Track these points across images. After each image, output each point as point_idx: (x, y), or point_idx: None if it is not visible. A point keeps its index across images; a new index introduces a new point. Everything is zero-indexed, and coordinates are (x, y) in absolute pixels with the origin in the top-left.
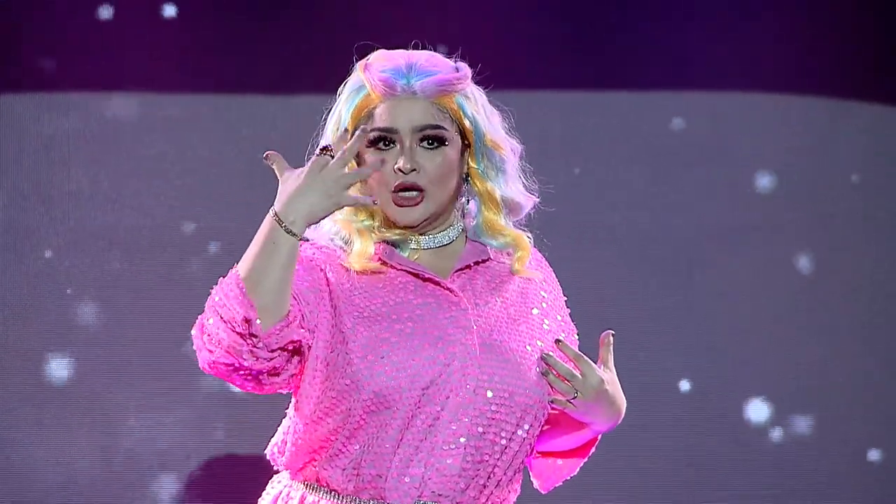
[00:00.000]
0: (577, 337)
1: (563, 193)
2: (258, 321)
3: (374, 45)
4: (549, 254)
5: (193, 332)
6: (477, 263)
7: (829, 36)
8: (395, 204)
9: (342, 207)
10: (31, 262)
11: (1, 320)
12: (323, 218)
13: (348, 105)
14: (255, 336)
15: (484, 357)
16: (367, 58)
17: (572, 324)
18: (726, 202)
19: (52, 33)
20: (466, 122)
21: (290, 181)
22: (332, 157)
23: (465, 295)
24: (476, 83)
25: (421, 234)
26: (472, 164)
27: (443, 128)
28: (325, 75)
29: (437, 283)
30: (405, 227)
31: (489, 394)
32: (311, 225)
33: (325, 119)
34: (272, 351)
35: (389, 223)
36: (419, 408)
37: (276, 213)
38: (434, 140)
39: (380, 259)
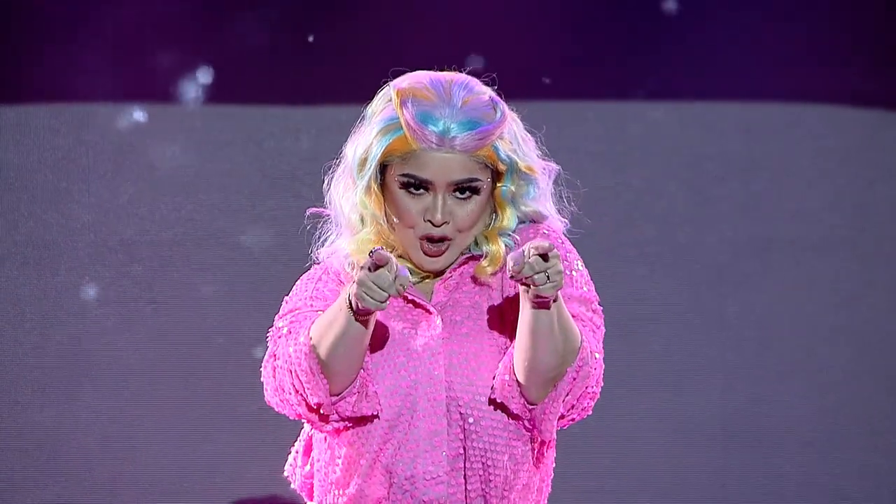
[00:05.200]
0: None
1: (597, 206)
2: (331, 401)
3: (404, 69)
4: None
5: (264, 380)
6: (463, 264)
7: (866, 47)
8: (423, 252)
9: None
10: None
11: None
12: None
13: (382, 142)
14: (326, 415)
15: (450, 379)
16: (402, 81)
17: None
18: (762, 216)
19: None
20: (501, 165)
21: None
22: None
23: (447, 308)
24: (504, 94)
25: None
26: (498, 183)
27: (478, 179)
28: (349, 88)
29: (422, 307)
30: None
31: (458, 418)
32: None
33: (355, 131)
34: (340, 420)
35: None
36: (386, 440)
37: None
38: (467, 190)
39: None
